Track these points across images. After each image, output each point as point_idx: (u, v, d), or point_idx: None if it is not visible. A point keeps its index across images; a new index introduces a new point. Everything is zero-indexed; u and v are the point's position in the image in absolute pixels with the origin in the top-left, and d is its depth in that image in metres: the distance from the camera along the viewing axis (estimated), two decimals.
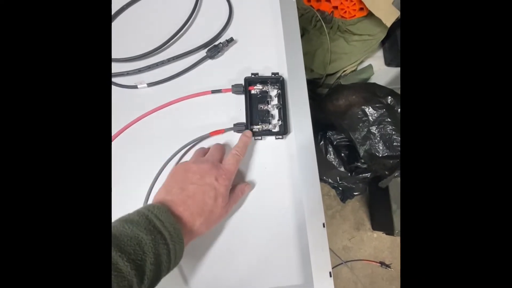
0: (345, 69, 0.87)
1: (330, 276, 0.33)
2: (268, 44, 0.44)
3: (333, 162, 0.84)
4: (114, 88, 0.42)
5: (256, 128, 0.39)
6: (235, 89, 0.40)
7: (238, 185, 0.36)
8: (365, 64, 0.89)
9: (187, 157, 0.39)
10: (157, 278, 0.26)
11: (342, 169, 0.84)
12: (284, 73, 0.42)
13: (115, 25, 0.46)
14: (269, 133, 0.39)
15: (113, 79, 0.42)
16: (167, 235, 0.27)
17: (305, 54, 0.41)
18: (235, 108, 0.41)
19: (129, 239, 0.25)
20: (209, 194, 0.31)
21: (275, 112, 0.41)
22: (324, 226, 0.34)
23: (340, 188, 0.91)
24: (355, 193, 0.90)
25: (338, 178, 0.86)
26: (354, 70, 0.88)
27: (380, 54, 0.91)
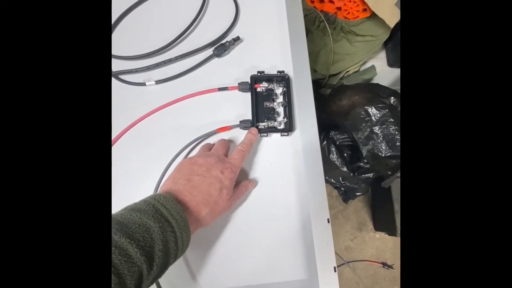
0: (348, 70, 0.87)
1: (335, 271, 0.33)
2: (274, 43, 0.45)
3: (336, 162, 0.85)
4: (122, 85, 0.43)
5: (261, 125, 0.40)
6: (241, 87, 0.41)
7: (242, 181, 0.37)
8: (368, 65, 0.89)
9: (194, 153, 0.39)
10: (165, 265, 0.27)
11: (345, 169, 0.84)
12: (289, 71, 0.42)
13: (124, 23, 0.47)
14: (274, 130, 0.40)
15: (122, 77, 0.43)
16: (174, 223, 0.27)
17: (309, 55, 0.41)
18: (241, 106, 0.42)
19: (137, 226, 0.25)
20: (214, 186, 0.32)
21: (280, 109, 0.41)
22: (328, 222, 0.35)
23: (343, 189, 0.91)
24: (357, 194, 0.90)
25: (340, 178, 0.86)
26: (357, 71, 0.89)
27: (383, 55, 0.91)
